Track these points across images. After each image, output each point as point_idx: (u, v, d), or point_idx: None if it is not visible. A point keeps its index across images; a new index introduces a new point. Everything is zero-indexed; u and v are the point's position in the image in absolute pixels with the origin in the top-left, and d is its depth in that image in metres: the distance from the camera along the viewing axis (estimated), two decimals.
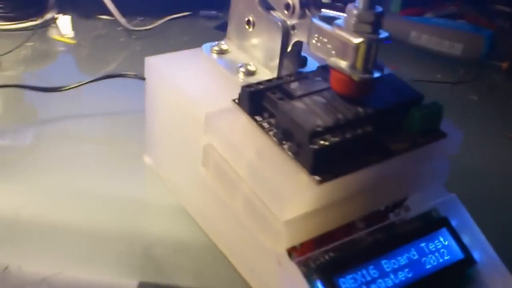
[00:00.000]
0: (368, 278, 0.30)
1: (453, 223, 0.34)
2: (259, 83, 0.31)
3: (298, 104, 0.29)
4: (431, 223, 0.33)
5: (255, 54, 0.36)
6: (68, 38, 0.59)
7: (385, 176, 0.30)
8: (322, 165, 0.28)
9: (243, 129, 0.30)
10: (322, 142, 0.27)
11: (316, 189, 0.27)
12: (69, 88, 0.45)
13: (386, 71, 0.34)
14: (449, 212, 0.34)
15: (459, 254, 0.32)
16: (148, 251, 0.35)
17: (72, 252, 0.34)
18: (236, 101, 0.32)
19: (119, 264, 0.34)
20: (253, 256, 0.32)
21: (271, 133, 0.30)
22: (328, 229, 0.30)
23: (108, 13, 0.62)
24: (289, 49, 0.34)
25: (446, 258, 0.32)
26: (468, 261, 0.32)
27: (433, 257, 0.32)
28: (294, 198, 0.27)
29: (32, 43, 0.57)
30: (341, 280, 0.29)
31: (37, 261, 0.34)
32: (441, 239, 0.33)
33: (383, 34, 0.28)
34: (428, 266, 0.31)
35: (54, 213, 0.37)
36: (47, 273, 0.32)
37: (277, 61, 0.34)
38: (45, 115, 0.46)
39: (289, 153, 0.29)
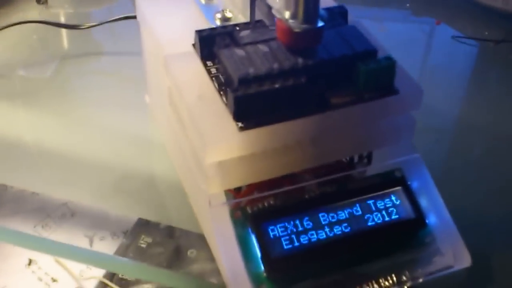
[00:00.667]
0: (300, 229, 0.30)
1: (414, 184, 0.33)
2: (214, 28, 0.32)
3: (239, 52, 0.30)
4: (387, 181, 0.33)
5: (235, 1, 0.36)
6: None
7: (320, 129, 0.29)
8: (247, 113, 0.28)
9: (193, 73, 0.31)
10: (245, 89, 0.28)
11: (238, 135, 0.28)
12: (89, 27, 0.48)
13: (356, 23, 0.34)
14: (412, 172, 0.33)
15: (410, 215, 0.32)
16: (120, 183, 0.37)
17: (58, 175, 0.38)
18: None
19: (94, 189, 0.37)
20: (197, 196, 0.33)
21: (215, 77, 0.30)
22: (266, 177, 0.30)
23: None
24: None
25: (393, 217, 0.31)
26: (419, 222, 0.32)
27: (379, 215, 0.31)
28: (217, 143, 0.28)
29: None
30: (270, 227, 0.30)
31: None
32: (393, 198, 0.32)
33: None
34: (370, 223, 0.31)
35: (59, 139, 0.41)
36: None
37: (249, 7, 0.34)
38: (67, 51, 0.50)
39: (224, 99, 0.29)
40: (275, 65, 0.29)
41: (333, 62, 0.30)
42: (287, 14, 0.29)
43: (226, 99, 0.29)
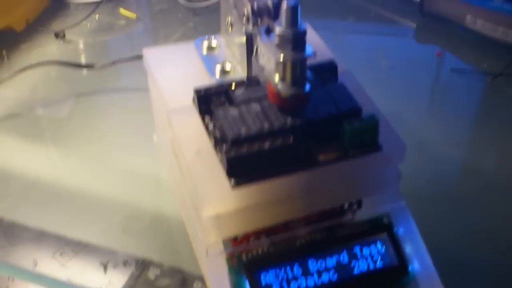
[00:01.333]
0: (290, 276, 0.32)
1: (400, 231, 0.35)
2: (210, 87, 0.34)
3: (233, 111, 0.32)
4: (373, 228, 0.34)
5: (235, 53, 0.38)
6: (131, 12, 0.64)
7: (309, 185, 0.31)
8: (239, 171, 0.30)
9: (193, 128, 0.34)
10: (237, 150, 0.30)
11: (231, 192, 0.30)
12: (102, 67, 0.51)
13: (347, 77, 0.36)
14: (398, 220, 0.35)
15: (393, 262, 0.34)
16: (128, 222, 0.40)
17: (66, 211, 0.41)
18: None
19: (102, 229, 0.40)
20: (197, 242, 0.35)
21: (212, 134, 0.33)
22: (260, 227, 0.33)
23: None
24: (254, 54, 0.36)
25: (378, 264, 0.33)
26: (401, 270, 0.34)
27: (364, 262, 0.33)
28: (211, 199, 0.30)
29: (98, 16, 0.63)
30: (263, 274, 0.32)
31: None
32: (378, 245, 0.34)
33: (308, 51, 0.30)
34: (356, 271, 0.33)
35: (73, 178, 0.44)
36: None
37: (246, 62, 0.37)
38: (82, 90, 0.53)
39: (219, 156, 0.32)
40: (266, 125, 0.31)
41: (319, 121, 0.32)
42: (276, 78, 0.31)
43: (221, 156, 0.31)
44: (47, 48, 0.58)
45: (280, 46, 0.30)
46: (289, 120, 0.31)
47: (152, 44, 0.61)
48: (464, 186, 0.46)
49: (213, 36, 0.41)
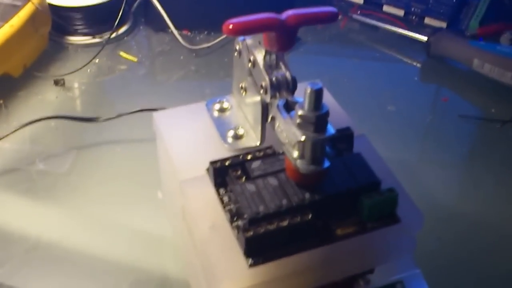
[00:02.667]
0: None
1: None
2: (226, 159, 0.35)
3: (250, 187, 0.33)
4: None
5: (247, 116, 0.39)
6: (131, 55, 0.65)
7: (326, 259, 0.32)
8: (256, 250, 0.31)
9: (207, 201, 0.35)
10: (256, 230, 0.31)
11: (248, 271, 0.31)
12: (105, 120, 0.52)
13: (362, 142, 0.37)
14: (413, 286, 0.36)
15: None
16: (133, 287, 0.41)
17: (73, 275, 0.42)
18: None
19: None
20: None
21: (227, 208, 0.34)
22: None
23: (175, 26, 0.67)
24: (269, 121, 0.37)
25: None
26: None
27: None
28: (227, 277, 0.31)
29: (98, 60, 0.64)
30: None
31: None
32: None
33: (329, 132, 0.31)
34: None
35: (74, 240, 0.45)
36: None
37: (260, 128, 0.38)
38: (84, 142, 0.54)
39: (235, 232, 0.32)
40: (284, 202, 0.32)
41: (338, 196, 0.33)
42: (295, 154, 0.32)
43: (237, 233, 0.32)
44: (46, 96, 0.59)
45: (302, 126, 0.31)
46: (307, 196, 0.32)
47: (154, 88, 0.62)
48: (479, 242, 0.47)
49: (224, 99, 0.42)
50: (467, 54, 0.64)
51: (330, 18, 0.33)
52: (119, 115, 0.53)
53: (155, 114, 0.41)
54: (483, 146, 0.57)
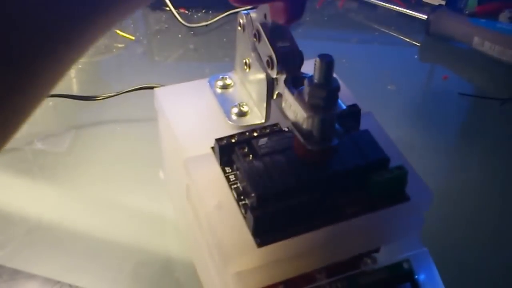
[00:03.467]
0: None
1: (421, 277, 0.35)
2: (232, 136, 0.34)
3: (258, 164, 0.32)
4: (396, 276, 0.35)
5: (251, 93, 0.38)
6: (128, 33, 0.64)
7: (335, 237, 0.32)
8: (264, 229, 0.30)
9: (212, 179, 0.34)
10: (264, 209, 0.30)
11: (256, 251, 0.30)
12: (104, 98, 0.50)
13: (368, 119, 0.36)
14: (419, 266, 0.35)
15: None
16: (135, 269, 0.40)
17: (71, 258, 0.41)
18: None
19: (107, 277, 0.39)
20: None
21: (234, 186, 0.33)
22: (282, 278, 0.33)
23: (172, 4, 0.66)
24: (274, 97, 0.36)
25: None
26: None
27: None
28: (236, 256, 0.30)
29: None
30: None
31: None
32: None
33: (340, 107, 0.30)
34: None
35: (75, 220, 0.44)
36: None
37: (264, 105, 0.37)
38: (83, 121, 0.52)
39: (242, 211, 0.32)
40: (292, 180, 0.31)
41: (347, 174, 0.32)
42: (303, 131, 0.31)
43: (245, 212, 0.31)
44: None
45: (311, 101, 0.30)
46: (316, 174, 0.31)
47: (152, 67, 0.61)
48: (483, 224, 0.46)
49: (227, 76, 0.40)
50: (467, 32, 0.63)
51: None
52: (118, 93, 0.52)
53: (156, 90, 0.40)
54: (483, 124, 0.57)
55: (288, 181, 0.31)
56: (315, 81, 0.29)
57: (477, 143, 0.54)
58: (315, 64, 0.29)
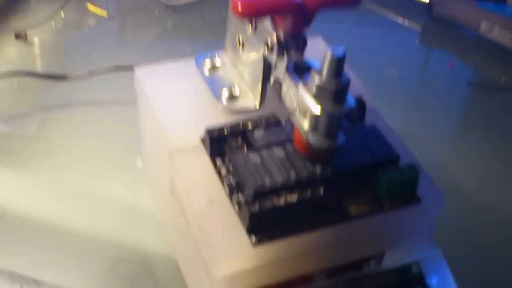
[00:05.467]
0: None
1: (433, 281, 0.34)
2: (224, 127, 0.33)
3: (254, 157, 0.31)
4: (403, 279, 0.34)
5: (244, 75, 0.37)
6: (100, 8, 0.62)
7: (338, 239, 0.31)
8: (261, 227, 0.29)
9: (201, 173, 0.32)
10: (261, 205, 0.29)
11: (251, 251, 0.29)
12: (75, 78, 0.49)
13: (372, 115, 0.35)
14: (430, 269, 0.34)
15: None
16: (109, 265, 0.39)
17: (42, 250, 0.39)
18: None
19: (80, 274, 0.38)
20: None
21: (226, 180, 0.32)
22: (278, 280, 0.32)
23: None
24: (271, 83, 0.35)
25: None
26: None
27: None
28: (227, 258, 0.29)
29: (64, 13, 0.61)
30: None
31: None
32: None
33: (349, 103, 0.29)
34: None
35: (42, 209, 0.42)
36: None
37: (259, 89, 0.35)
38: (51, 102, 0.51)
39: (236, 207, 0.30)
40: (292, 175, 0.30)
41: (353, 172, 0.31)
42: (306, 125, 0.29)
43: (239, 208, 0.30)
44: (6, 50, 0.55)
45: (318, 95, 0.28)
46: (318, 170, 0.30)
47: (126, 45, 0.59)
48: (497, 221, 0.45)
49: (216, 54, 0.39)
50: (475, 16, 0.62)
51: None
52: (91, 73, 0.50)
53: (137, 70, 0.39)
54: (495, 115, 0.56)
55: (287, 176, 0.30)
56: (325, 73, 0.28)
57: (479, 133, 0.53)
58: (325, 57, 0.27)
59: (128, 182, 0.45)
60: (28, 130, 0.48)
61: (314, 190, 0.30)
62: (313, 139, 0.29)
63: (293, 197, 0.29)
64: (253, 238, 0.29)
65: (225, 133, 0.32)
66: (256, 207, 0.29)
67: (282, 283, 0.32)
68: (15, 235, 0.41)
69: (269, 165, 0.30)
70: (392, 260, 0.34)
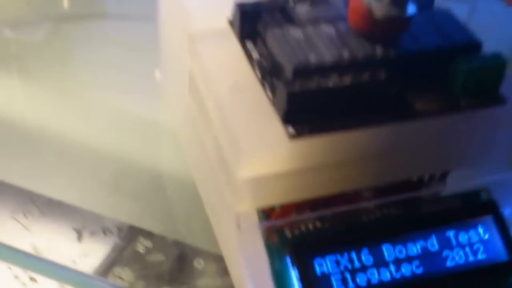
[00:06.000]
0: (357, 265, 0.25)
1: (506, 211, 0.28)
2: (258, 2, 0.27)
3: (295, 33, 0.25)
4: (472, 207, 0.28)
5: None
6: None
7: (398, 143, 0.24)
8: (302, 115, 0.23)
9: (227, 57, 0.26)
10: (302, 84, 0.22)
11: (287, 145, 0.23)
12: None
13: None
14: (504, 196, 0.28)
15: (501, 255, 0.27)
16: (119, 181, 0.35)
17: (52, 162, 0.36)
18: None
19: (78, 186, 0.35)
20: (220, 210, 0.29)
21: (258, 64, 0.25)
22: (314, 195, 0.25)
23: None
24: None
25: (480, 257, 0.27)
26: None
27: (461, 253, 0.27)
28: (256, 154, 0.23)
29: None
30: (318, 260, 0.25)
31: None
32: (480, 230, 0.27)
33: None
34: (449, 264, 0.26)
35: (50, 120, 0.38)
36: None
37: None
38: (65, 10, 0.47)
39: (269, 93, 0.24)
40: (345, 54, 0.24)
41: (423, 56, 0.25)
42: None
43: (273, 94, 0.24)
44: None
45: None
46: (379, 50, 0.24)
47: None
48: None
49: None
50: None
51: None
52: None
53: None
54: None
55: (339, 54, 0.23)
56: None
57: None
58: None
59: (145, 96, 0.41)
60: (37, 36, 0.44)
61: (373, 73, 0.24)
62: (377, 5, 0.23)
63: (345, 80, 0.23)
64: (290, 128, 0.23)
65: (260, 8, 0.26)
66: (296, 87, 0.23)
67: (319, 200, 0.26)
68: (11, 141, 0.38)
69: (315, 41, 0.24)
70: (456, 182, 0.28)
